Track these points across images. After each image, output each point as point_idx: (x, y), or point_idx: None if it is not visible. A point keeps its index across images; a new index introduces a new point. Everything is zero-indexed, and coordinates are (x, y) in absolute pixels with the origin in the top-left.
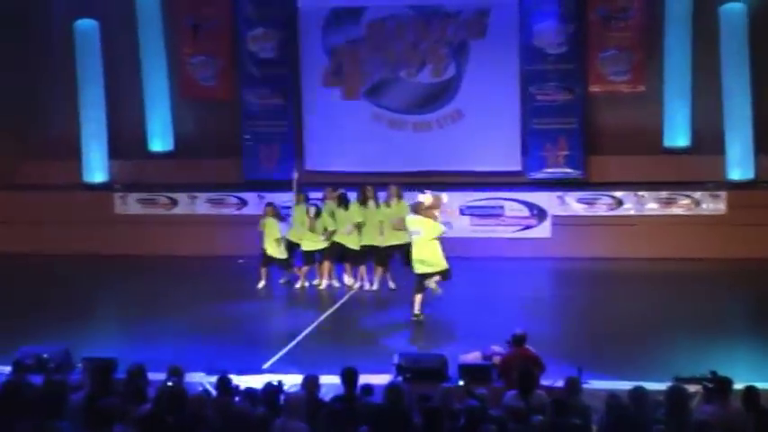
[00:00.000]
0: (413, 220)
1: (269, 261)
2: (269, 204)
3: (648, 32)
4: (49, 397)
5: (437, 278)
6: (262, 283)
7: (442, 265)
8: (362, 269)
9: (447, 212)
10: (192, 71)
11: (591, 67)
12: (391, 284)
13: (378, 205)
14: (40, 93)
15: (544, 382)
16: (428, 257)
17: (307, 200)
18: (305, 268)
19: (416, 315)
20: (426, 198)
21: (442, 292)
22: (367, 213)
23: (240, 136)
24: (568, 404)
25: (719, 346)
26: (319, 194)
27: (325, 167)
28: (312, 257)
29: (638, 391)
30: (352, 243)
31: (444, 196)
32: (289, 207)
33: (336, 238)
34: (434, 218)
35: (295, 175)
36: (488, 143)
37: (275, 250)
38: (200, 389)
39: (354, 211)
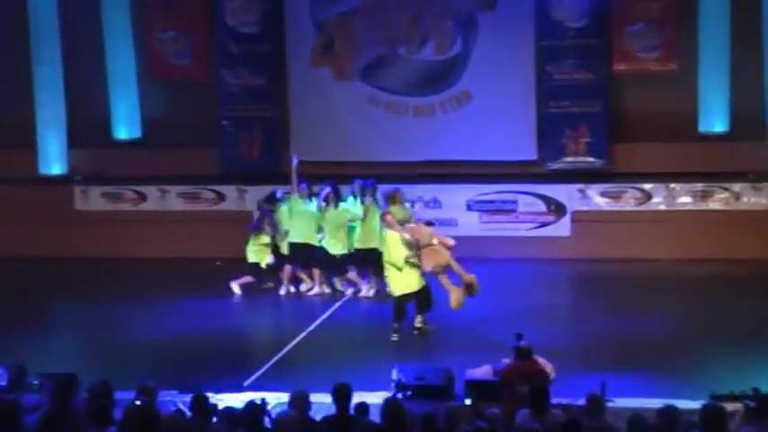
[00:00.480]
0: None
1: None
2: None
3: (681, 3)
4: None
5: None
6: (283, 290)
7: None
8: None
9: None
10: (162, 49)
11: (616, 42)
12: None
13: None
14: None
15: (563, 400)
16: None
17: (312, 194)
18: (288, 270)
19: (417, 327)
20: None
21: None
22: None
23: (217, 122)
24: (586, 426)
25: (763, 361)
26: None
27: (313, 157)
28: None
29: (669, 411)
30: (336, 248)
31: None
32: (281, 200)
33: (314, 242)
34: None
35: (295, 162)
36: (499, 129)
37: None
38: (173, 409)
39: (344, 211)
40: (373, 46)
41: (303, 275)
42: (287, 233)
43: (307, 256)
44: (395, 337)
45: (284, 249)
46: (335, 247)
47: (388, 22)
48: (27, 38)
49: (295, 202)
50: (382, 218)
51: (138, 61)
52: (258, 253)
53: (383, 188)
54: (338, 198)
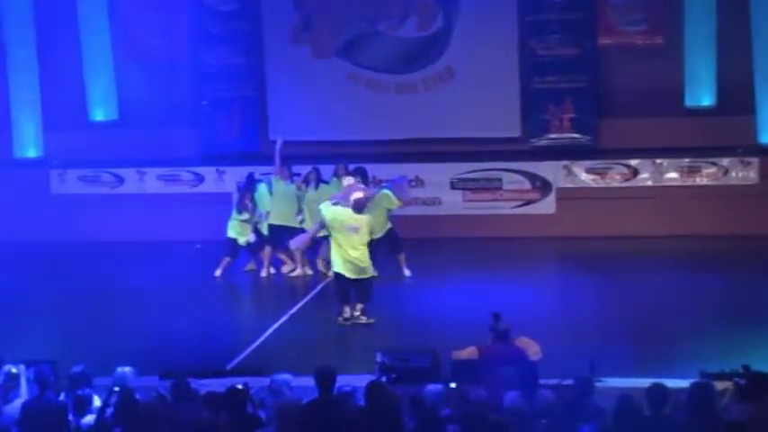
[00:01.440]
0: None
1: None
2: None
3: None
4: None
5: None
6: (264, 272)
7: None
8: None
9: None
10: (138, 28)
11: (601, 16)
12: (406, 271)
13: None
14: None
15: (550, 380)
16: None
17: (292, 174)
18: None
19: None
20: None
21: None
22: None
23: (195, 102)
24: (576, 406)
25: (753, 337)
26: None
27: (293, 137)
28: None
29: (657, 389)
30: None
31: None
32: (261, 181)
33: (294, 224)
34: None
35: (279, 143)
36: (483, 106)
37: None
38: (154, 395)
39: (324, 192)
40: (353, 23)
41: (284, 257)
42: (267, 215)
43: (287, 238)
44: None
45: (264, 230)
46: None
47: None
48: (0, 18)
49: (276, 183)
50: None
51: (113, 41)
52: (236, 228)
53: (360, 167)
54: (319, 179)
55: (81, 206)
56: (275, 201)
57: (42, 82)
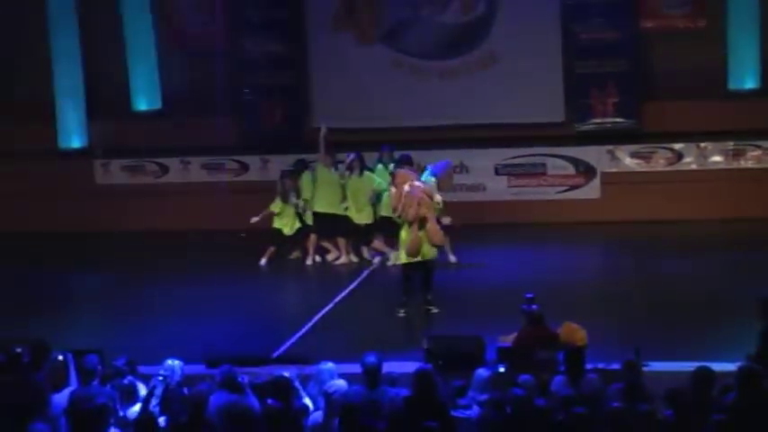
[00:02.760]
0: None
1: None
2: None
3: None
4: (27, 398)
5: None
6: (309, 260)
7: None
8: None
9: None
10: (180, 17)
11: None
12: (452, 258)
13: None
14: (4, 45)
15: (597, 365)
16: None
17: (335, 162)
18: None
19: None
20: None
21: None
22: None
23: (238, 91)
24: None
25: None
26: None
27: (337, 124)
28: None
29: (704, 373)
30: (361, 217)
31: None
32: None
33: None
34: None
35: (324, 130)
36: (526, 91)
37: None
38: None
39: (369, 179)
40: (396, 8)
41: (329, 245)
42: (306, 202)
43: (332, 226)
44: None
45: (308, 219)
46: (360, 216)
47: None
48: (44, 7)
49: (320, 170)
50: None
51: (156, 30)
52: (281, 219)
53: (405, 154)
54: (363, 166)
55: (125, 196)
56: (320, 188)
57: (86, 72)
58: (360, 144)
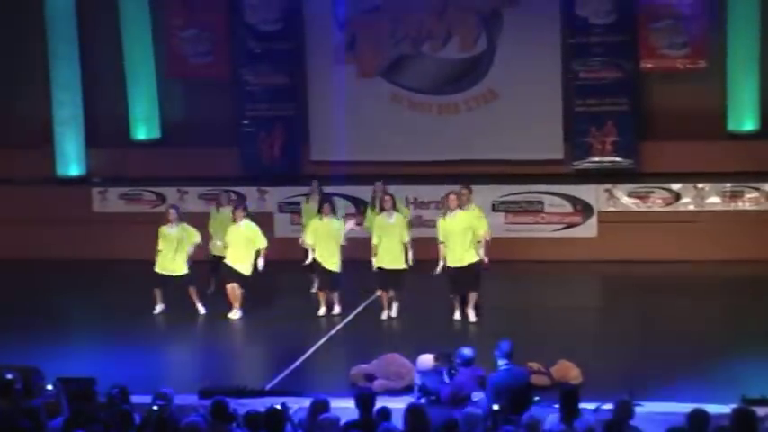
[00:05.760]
0: None
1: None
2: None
3: None
4: (21, 426)
5: None
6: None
7: None
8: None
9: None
10: (181, 47)
11: (643, 39)
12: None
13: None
14: (5, 72)
15: (589, 405)
16: None
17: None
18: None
19: None
20: None
21: None
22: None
23: (238, 121)
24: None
25: None
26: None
27: (334, 157)
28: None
29: (699, 414)
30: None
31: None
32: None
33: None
34: None
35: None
36: (525, 128)
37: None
38: (193, 415)
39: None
40: (397, 43)
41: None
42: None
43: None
44: None
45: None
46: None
47: (411, 18)
48: (44, 35)
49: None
50: None
51: (157, 60)
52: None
53: (401, 189)
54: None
55: (122, 224)
56: (319, 238)
57: (85, 100)
58: (357, 177)
